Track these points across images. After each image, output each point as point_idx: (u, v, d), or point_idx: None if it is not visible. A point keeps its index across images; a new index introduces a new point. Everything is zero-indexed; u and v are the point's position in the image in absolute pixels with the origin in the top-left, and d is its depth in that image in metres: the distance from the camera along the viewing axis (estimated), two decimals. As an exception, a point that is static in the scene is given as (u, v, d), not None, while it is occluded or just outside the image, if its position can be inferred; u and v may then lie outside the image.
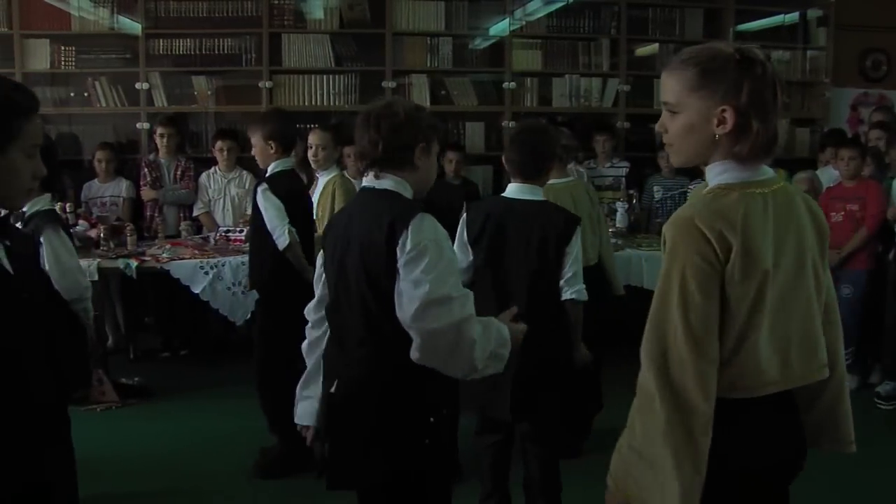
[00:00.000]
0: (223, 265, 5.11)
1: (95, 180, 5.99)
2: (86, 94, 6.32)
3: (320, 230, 4.03)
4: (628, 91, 6.73)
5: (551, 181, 3.42)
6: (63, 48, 6.31)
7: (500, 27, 6.63)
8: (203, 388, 5.20)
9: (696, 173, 6.01)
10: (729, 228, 1.64)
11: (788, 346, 1.74)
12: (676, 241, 1.67)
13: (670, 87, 1.73)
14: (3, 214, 1.88)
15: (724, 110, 1.66)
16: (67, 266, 3.45)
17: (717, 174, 1.72)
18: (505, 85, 6.56)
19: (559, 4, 6.62)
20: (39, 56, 6.31)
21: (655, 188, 6.30)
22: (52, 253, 3.43)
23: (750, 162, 1.70)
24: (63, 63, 6.31)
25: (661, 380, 1.66)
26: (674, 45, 6.72)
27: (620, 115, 6.72)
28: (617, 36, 6.73)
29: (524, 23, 6.64)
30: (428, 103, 6.40)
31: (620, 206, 6.00)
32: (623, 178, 6.34)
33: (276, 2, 6.30)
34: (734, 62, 1.65)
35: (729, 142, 1.68)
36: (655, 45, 6.87)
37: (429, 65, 6.51)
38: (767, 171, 1.75)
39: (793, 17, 7.14)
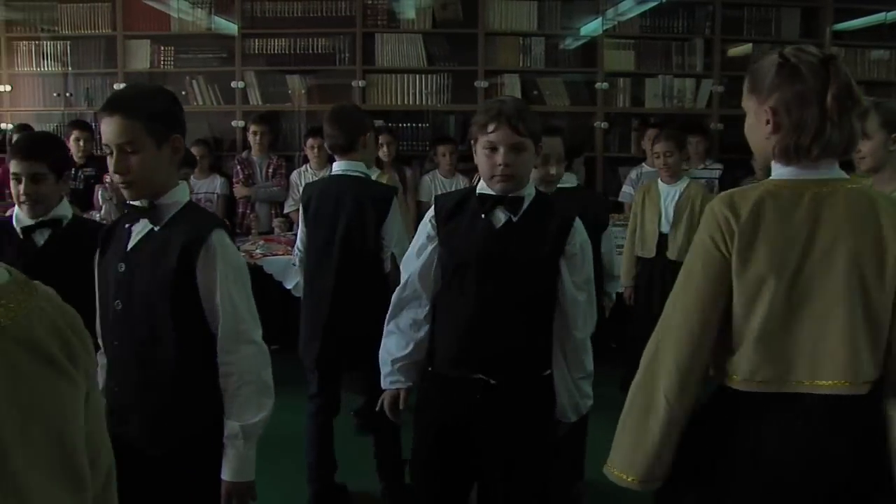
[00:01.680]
0: (314, 262, 5.15)
1: (191, 177, 6.11)
2: (183, 93, 6.46)
3: None
4: (722, 92, 6.59)
5: None
6: (163, 48, 6.50)
7: (592, 27, 6.57)
8: (291, 383, 5.21)
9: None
10: (732, 216, 1.72)
11: (789, 351, 1.72)
12: (701, 223, 1.81)
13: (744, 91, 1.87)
14: None
15: (765, 111, 1.76)
16: None
17: (774, 174, 1.79)
18: (597, 85, 6.50)
19: (652, 4, 6.52)
20: (140, 56, 6.51)
21: (749, 191, 6.16)
22: None
23: (803, 163, 1.74)
24: (162, 63, 6.50)
25: (650, 353, 1.82)
26: (769, 45, 6.56)
27: (714, 117, 6.59)
28: (711, 36, 6.59)
29: (616, 22, 6.57)
30: (519, 103, 6.40)
31: (714, 209, 5.88)
32: (716, 181, 6.21)
33: (370, 2, 6.36)
34: (776, 66, 1.75)
35: (774, 141, 1.75)
36: (749, 45, 6.71)
37: (521, 65, 6.48)
38: (832, 172, 1.77)
39: (894, 15, 6.90)
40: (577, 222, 2.44)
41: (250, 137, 6.10)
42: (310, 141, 5.92)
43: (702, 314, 1.74)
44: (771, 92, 1.74)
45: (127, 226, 2.16)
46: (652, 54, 6.60)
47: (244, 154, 6.18)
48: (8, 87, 6.57)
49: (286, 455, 4.07)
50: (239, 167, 6.08)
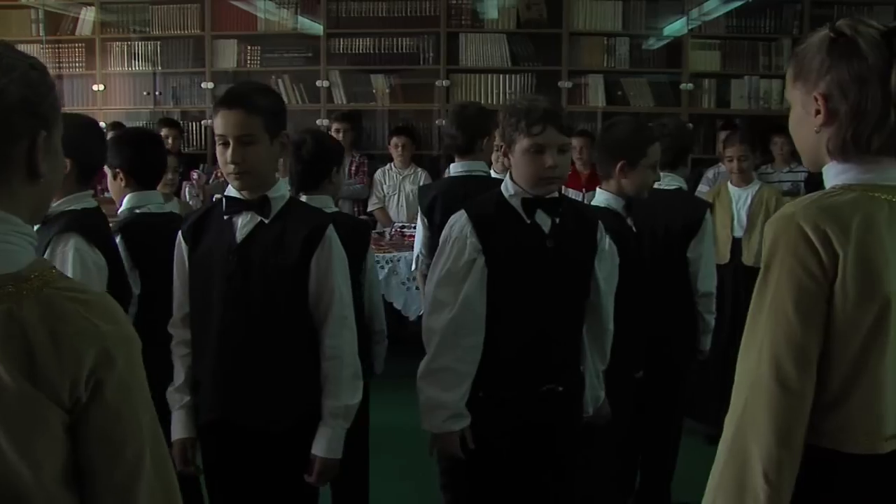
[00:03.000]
0: (398, 260, 5.18)
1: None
2: (269, 92, 6.57)
3: None
4: (810, 93, 6.44)
5: None
6: (249, 48, 6.63)
7: (676, 27, 6.48)
8: (373, 380, 5.26)
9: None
10: (838, 232, 1.34)
11: None
12: (775, 243, 1.38)
13: (786, 81, 1.56)
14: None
15: (815, 98, 1.43)
16: None
17: (832, 176, 1.45)
18: (682, 86, 6.41)
19: (738, 3, 6.40)
20: (227, 56, 6.66)
21: (835, 194, 6.02)
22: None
23: (864, 160, 1.41)
24: (249, 62, 6.63)
25: (737, 410, 1.40)
26: (860, 45, 6.41)
27: (801, 118, 6.44)
28: (799, 35, 6.41)
29: (701, 22, 6.47)
30: (604, 104, 6.37)
31: (800, 213, 5.76)
32: (802, 184, 6.07)
33: (454, 1, 6.39)
34: (827, 42, 1.45)
35: (827, 135, 1.43)
36: (838, 46, 6.55)
37: (605, 65, 6.44)
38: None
39: None
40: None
41: (333, 135, 6.14)
42: (394, 140, 5.99)
43: (803, 358, 1.36)
44: (822, 75, 1.42)
45: (226, 217, 2.23)
46: (738, 54, 6.48)
47: (327, 152, 6.24)
48: (101, 87, 6.76)
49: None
50: (322, 165, 6.14)
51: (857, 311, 1.35)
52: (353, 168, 6.14)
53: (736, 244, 4.43)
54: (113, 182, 2.88)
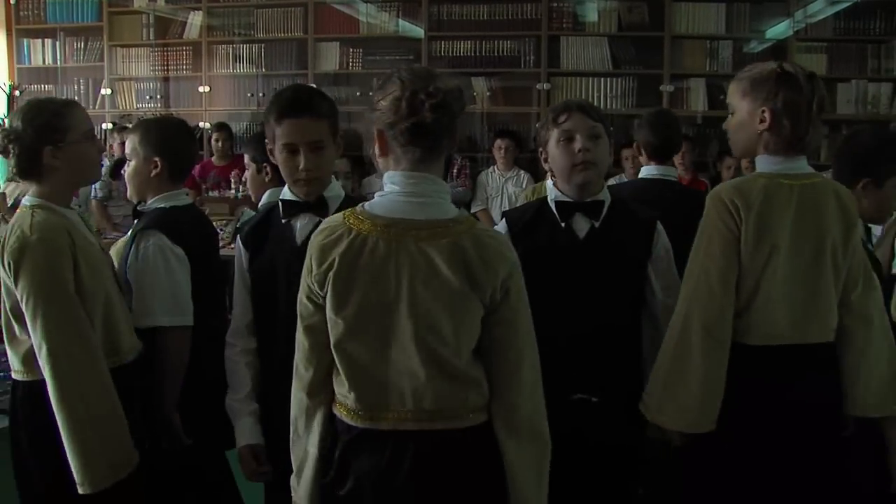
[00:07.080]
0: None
1: (374, 175, 6.30)
2: (370, 94, 6.64)
3: None
4: (922, 97, 6.27)
5: None
6: (351, 50, 6.75)
7: (780, 29, 6.37)
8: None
9: None
10: (743, 204, 2.10)
11: (797, 311, 2.13)
12: (708, 210, 2.18)
13: (730, 93, 2.23)
14: None
15: (763, 111, 2.12)
16: None
17: (761, 164, 2.17)
18: (786, 90, 6.28)
19: (846, 4, 6.26)
20: (329, 58, 6.80)
21: (947, 201, 5.84)
22: None
23: (783, 154, 2.14)
24: (350, 64, 6.75)
25: (681, 308, 2.18)
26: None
27: (911, 123, 6.28)
28: (914, 37, 6.29)
29: (806, 24, 6.34)
30: (705, 108, 6.31)
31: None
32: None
33: (555, 5, 6.39)
34: (775, 75, 2.11)
35: (767, 137, 2.14)
36: (950, 48, 6.36)
37: (707, 68, 6.36)
38: (803, 168, 2.17)
39: None
40: (660, 224, 2.35)
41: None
42: (498, 142, 6.04)
43: (724, 278, 2.14)
44: (771, 96, 2.10)
45: (284, 221, 2.23)
46: (845, 57, 6.32)
47: (427, 154, 6.31)
48: (207, 88, 6.97)
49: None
50: (422, 167, 6.21)
51: (755, 253, 2.12)
52: (455, 171, 6.21)
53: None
54: (256, 176, 2.98)
